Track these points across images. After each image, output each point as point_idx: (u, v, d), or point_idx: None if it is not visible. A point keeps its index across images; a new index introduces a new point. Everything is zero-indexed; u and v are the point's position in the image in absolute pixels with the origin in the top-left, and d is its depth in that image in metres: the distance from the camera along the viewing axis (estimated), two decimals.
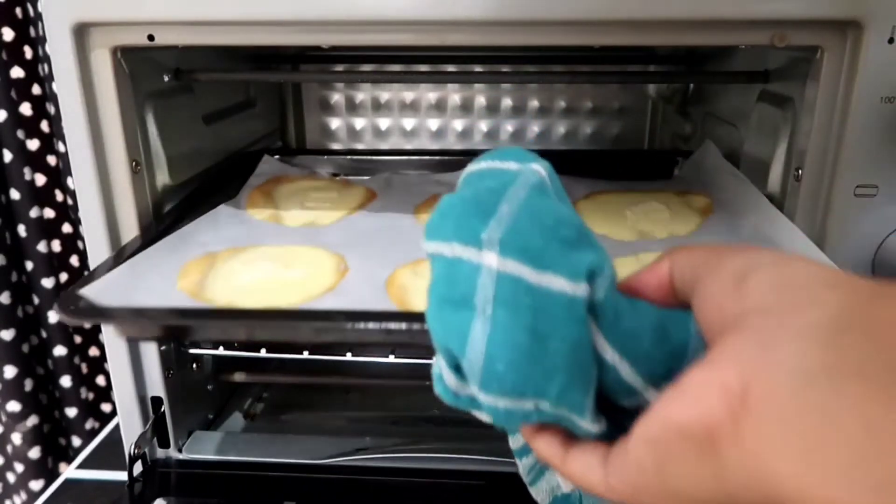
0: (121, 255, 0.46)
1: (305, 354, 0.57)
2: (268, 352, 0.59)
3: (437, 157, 0.71)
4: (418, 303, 0.40)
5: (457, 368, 0.27)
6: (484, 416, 0.28)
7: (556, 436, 0.27)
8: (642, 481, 0.23)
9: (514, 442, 0.35)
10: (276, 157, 0.69)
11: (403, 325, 0.37)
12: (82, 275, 0.91)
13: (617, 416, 0.26)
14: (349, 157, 0.72)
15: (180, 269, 0.45)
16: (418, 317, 0.33)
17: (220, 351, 0.60)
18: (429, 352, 0.29)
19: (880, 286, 0.21)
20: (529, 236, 0.26)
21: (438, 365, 0.28)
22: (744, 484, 0.20)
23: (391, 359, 0.57)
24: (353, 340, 0.37)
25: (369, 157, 0.72)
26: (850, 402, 0.18)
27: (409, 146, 0.92)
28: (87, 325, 0.44)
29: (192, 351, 0.58)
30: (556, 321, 0.25)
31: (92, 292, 0.39)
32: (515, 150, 0.31)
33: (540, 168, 0.30)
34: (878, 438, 0.17)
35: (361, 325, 0.37)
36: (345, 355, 0.57)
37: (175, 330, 0.42)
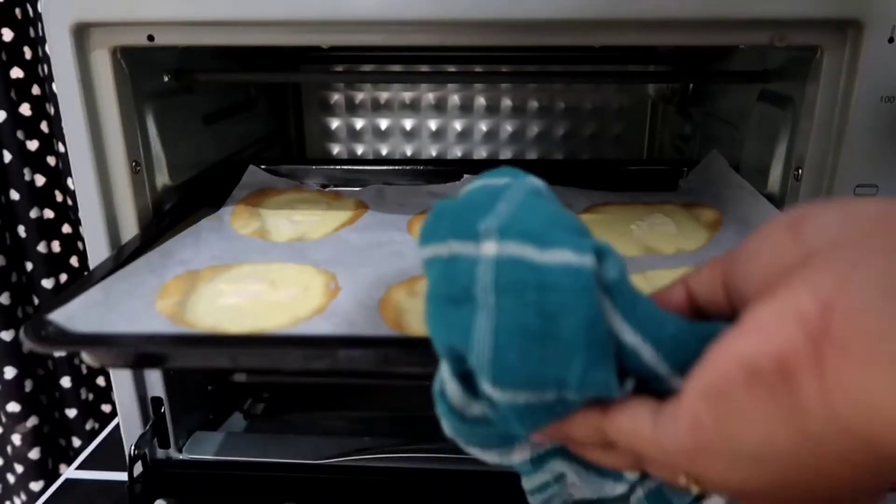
0: (92, 276, 0.41)
1: None
2: None
3: (429, 167, 0.66)
4: (415, 325, 0.38)
5: (462, 378, 0.25)
6: (489, 457, 0.28)
7: (590, 411, 0.23)
8: (700, 440, 0.20)
9: (527, 483, 0.31)
10: (262, 167, 0.65)
11: (400, 352, 0.35)
12: (82, 275, 0.91)
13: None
14: (339, 167, 0.67)
15: (159, 289, 0.42)
16: (416, 342, 0.32)
17: None
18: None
19: None
20: (530, 223, 0.24)
21: (440, 379, 0.26)
22: (828, 426, 0.17)
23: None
24: (345, 368, 0.34)
25: (359, 168, 0.67)
26: None
27: (408, 147, 0.91)
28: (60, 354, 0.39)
29: None
30: (564, 294, 0.22)
31: (62, 317, 0.35)
32: (510, 170, 0.29)
33: (535, 180, 0.28)
34: None
35: (355, 353, 0.34)
36: None
37: (153, 359, 0.39)
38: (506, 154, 0.91)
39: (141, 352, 0.37)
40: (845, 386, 0.17)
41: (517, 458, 0.29)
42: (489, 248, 0.24)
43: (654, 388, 0.23)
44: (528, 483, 0.31)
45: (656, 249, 0.49)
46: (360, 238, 0.52)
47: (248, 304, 0.41)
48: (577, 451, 0.27)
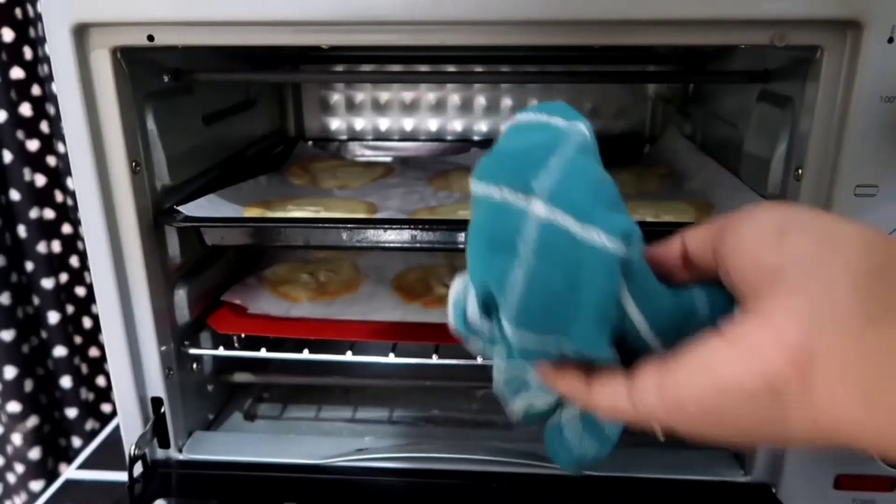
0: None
1: (306, 353, 0.57)
2: (267, 351, 0.59)
3: (455, 142, 0.89)
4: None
5: (483, 304, 0.31)
6: (475, 349, 0.34)
7: (577, 373, 0.29)
8: (677, 419, 0.25)
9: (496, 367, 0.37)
10: (310, 142, 0.89)
11: (429, 227, 0.51)
12: (82, 275, 0.91)
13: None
14: (371, 141, 0.90)
15: (243, 208, 0.56)
16: (437, 222, 0.53)
17: (221, 351, 0.60)
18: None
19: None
20: (576, 192, 0.28)
21: (463, 293, 0.32)
22: (806, 428, 0.22)
23: (391, 358, 0.57)
24: (386, 242, 0.52)
25: (388, 143, 0.90)
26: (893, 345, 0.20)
27: (408, 146, 0.92)
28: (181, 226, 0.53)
29: (192, 351, 0.58)
30: (592, 273, 0.27)
31: (185, 210, 0.52)
32: (562, 106, 0.33)
33: (584, 128, 0.32)
34: None
35: (396, 227, 0.51)
36: (345, 354, 0.57)
37: (253, 234, 0.54)
38: None
39: (249, 226, 0.54)
40: (825, 409, 0.22)
41: (496, 355, 0.35)
42: (538, 209, 0.28)
43: (632, 344, 0.28)
44: (497, 372, 0.36)
45: (620, 191, 0.59)
46: (391, 184, 0.69)
47: (310, 215, 0.57)
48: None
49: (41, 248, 0.85)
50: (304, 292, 0.65)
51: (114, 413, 0.94)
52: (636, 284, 0.28)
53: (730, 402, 0.23)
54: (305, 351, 0.57)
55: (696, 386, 0.24)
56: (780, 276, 0.23)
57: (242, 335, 0.63)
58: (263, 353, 0.59)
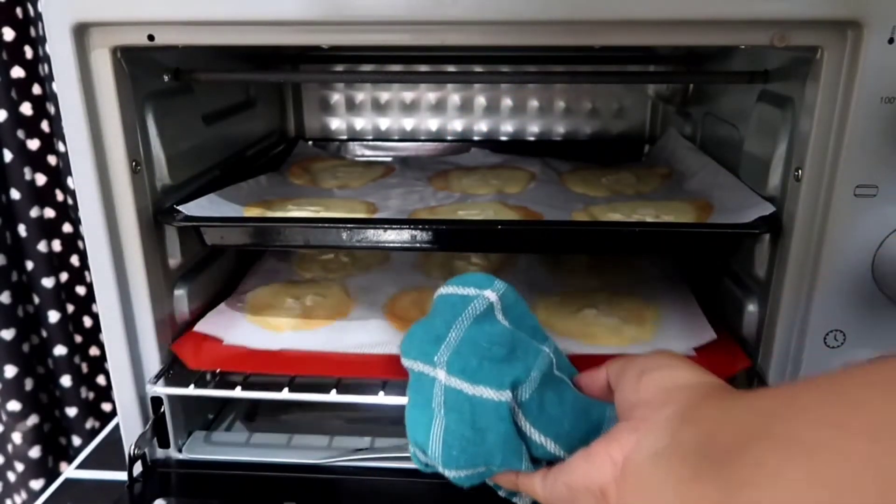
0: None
1: (286, 392, 0.52)
2: (243, 389, 0.52)
3: (455, 142, 0.90)
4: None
5: (423, 451, 0.40)
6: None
7: (509, 474, 0.40)
8: (561, 502, 0.37)
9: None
10: (310, 141, 0.90)
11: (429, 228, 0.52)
12: (82, 274, 0.91)
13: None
14: (371, 141, 0.91)
15: (243, 209, 0.57)
16: (437, 222, 0.55)
17: (191, 390, 0.53)
18: None
19: (714, 387, 0.33)
20: (468, 358, 0.38)
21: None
22: None
23: (381, 397, 0.51)
24: (386, 242, 0.52)
25: (388, 143, 0.91)
26: (673, 481, 0.29)
27: (408, 146, 0.92)
28: (182, 225, 0.53)
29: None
30: (489, 420, 0.37)
31: (185, 209, 0.52)
32: (476, 278, 0.42)
33: (491, 293, 0.41)
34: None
35: (397, 227, 0.52)
36: (329, 392, 0.51)
37: (253, 234, 0.54)
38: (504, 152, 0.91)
39: (249, 226, 0.54)
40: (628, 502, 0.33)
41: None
42: (441, 375, 0.39)
43: (545, 456, 0.39)
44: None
45: (620, 192, 0.68)
46: (391, 184, 0.70)
47: (310, 215, 0.58)
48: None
49: (41, 247, 0.85)
50: (288, 319, 0.59)
51: (114, 412, 0.94)
52: (535, 414, 0.37)
53: (579, 496, 0.35)
54: (285, 390, 0.52)
55: (565, 482, 0.36)
56: (632, 412, 0.35)
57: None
58: (238, 392, 0.52)
